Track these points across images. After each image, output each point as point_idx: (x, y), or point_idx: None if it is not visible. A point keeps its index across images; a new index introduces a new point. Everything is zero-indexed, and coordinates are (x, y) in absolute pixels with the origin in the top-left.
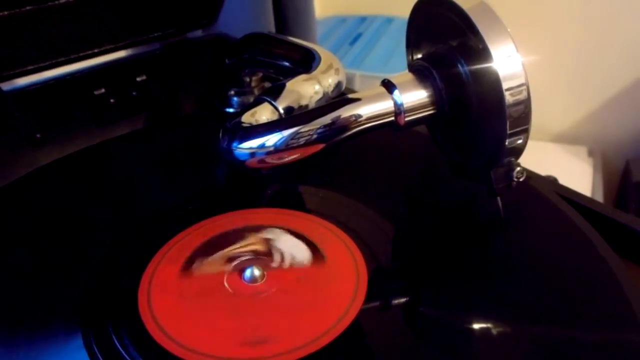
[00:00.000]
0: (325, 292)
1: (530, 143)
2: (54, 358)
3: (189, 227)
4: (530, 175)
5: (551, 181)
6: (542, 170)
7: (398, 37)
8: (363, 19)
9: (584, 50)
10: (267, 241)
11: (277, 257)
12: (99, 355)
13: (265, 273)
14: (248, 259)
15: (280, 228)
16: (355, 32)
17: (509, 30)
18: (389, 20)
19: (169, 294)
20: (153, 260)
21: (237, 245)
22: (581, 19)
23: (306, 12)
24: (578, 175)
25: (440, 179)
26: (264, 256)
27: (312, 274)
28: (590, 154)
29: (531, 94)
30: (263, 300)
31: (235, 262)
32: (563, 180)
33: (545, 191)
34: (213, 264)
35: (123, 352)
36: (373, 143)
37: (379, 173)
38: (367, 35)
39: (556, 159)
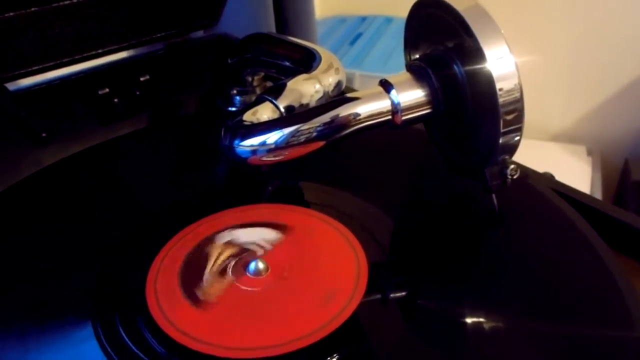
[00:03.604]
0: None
1: (529, 142)
2: (66, 348)
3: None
4: (526, 171)
5: (547, 178)
6: (541, 169)
7: (398, 37)
8: (363, 19)
9: (583, 49)
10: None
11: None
12: (109, 346)
13: (269, 266)
14: (253, 253)
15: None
16: (355, 32)
17: (502, 31)
18: (389, 20)
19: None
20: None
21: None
22: (580, 18)
23: (306, 13)
24: (577, 174)
25: (439, 176)
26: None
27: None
28: (589, 153)
29: (530, 93)
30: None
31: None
32: (562, 179)
33: (540, 187)
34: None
35: (132, 342)
36: (373, 140)
37: (379, 169)
38: (367, 35)
39: (555, 158)
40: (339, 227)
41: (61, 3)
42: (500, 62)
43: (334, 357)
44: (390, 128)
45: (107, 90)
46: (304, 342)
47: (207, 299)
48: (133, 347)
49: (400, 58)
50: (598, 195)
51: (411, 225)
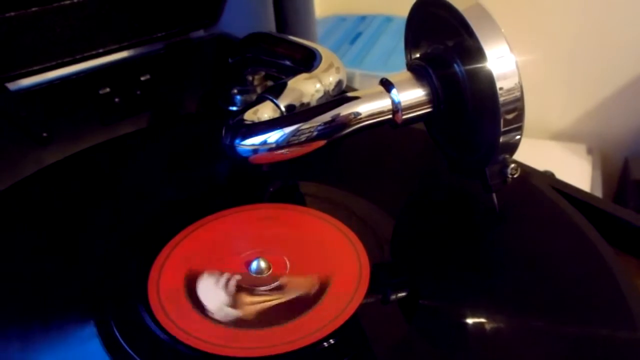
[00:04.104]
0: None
1: (529, 141)
2: (68, 348)
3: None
4: (527, 170)
5: (548, 176)
6: (541, 167)
7: (398, 36)
8: (363, 18)
9: (583, 48)
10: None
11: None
12: (110, 345)
13: (271, 265)
14: (254, 252)
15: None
16: (355, 31)
17: (503, 30)
18: (389, 20)
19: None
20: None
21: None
22: (580, 16)
23: (306, 12)
24: (577, 172)
25: (440, 175)
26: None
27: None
28: (590, 151)
29: (530, 92)
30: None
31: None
32: (562, 178)
33: (541, 185)
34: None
35: (133, 342)
36: (374, 139)
37: (380, 168)
38: (367, 34)
39: (555, 156)
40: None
41: (62, 3)
42: (500, 61)
43: (335, 357)
44: (391, 127)
45: (107, 89)
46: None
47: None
48: (135, 347)
49: (400, 57)
50: (598, 193)
51: (413, 225)
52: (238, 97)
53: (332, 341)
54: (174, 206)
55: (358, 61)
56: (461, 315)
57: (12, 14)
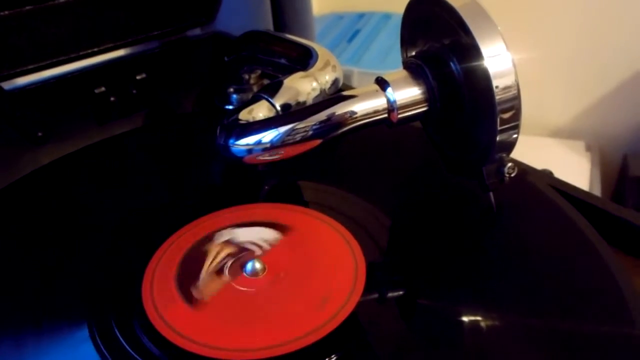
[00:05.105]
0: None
1: (527, 138)
2: (61, 350)
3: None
4: (525, 168)
5: (546, 174)
6: (539, 165)
7: (396, 33)
8: (361, 16)
9: (581, 45)
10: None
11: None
12: (104, 347)
13: (265, 266)
14: (251, 253)
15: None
16: (352, 29)
17: (499, 28)
18: (387, 17)
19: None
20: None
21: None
22: (579, 13)
23: (304, 10)
24: (576, 170)
25: (437, 174)
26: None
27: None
28: (588, 148)
29: (529, 89)
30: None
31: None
32: (561, 175)
33: (540, 184)
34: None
35: (127, 344)
36: (370, 138)
37: (376, 167)
38: (365, 32)
39: (554, 153)
40: (336, 225)
41: (57, 1)
42: (496, 60)
43: (332, 358)
44: (387, 126)
45: (103, 89)
46: (301, 344)
47: (202, 299)
48: (128, 349)
49: (398, 55)
50: (597, 190)
51: (409, 224)
52: (234, 95)
53: (328, 342)
54: (169, 206)
55: (356, 59)
56: (459, 314)
57: (6, 12)
